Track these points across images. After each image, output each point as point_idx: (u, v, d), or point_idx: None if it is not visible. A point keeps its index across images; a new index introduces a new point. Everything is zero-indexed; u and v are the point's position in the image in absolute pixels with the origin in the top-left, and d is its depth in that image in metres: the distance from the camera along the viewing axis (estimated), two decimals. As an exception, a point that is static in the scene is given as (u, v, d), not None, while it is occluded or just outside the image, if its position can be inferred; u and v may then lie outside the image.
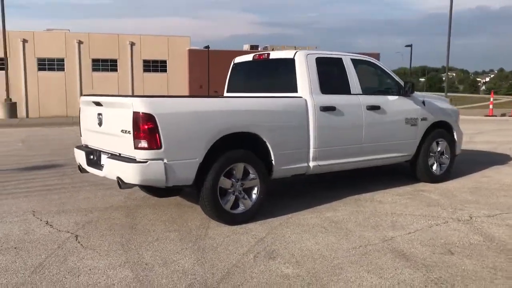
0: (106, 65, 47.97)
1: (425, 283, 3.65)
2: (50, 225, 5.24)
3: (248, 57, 6.66)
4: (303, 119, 5.63)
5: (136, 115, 4.53)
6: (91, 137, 5.62)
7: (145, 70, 49.14)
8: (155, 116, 4.53)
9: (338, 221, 5.30)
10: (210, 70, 47.37)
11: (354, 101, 6.13)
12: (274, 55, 6.24)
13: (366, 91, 6.37)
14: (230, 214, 5.14)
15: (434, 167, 7.25)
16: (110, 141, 5.09)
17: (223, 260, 4.15)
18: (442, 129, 7.25)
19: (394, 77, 6.73)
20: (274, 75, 6.22)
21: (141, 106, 4.53)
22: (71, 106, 44.17)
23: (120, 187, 4.76)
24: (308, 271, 3.90)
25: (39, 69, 45.77)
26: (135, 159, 4.62)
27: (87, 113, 5.59)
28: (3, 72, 43.54)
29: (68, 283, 3.68)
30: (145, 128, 4.51)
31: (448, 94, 34.94)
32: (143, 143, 4.54)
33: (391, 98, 6.62)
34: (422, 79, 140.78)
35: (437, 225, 5.14)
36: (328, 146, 5.88)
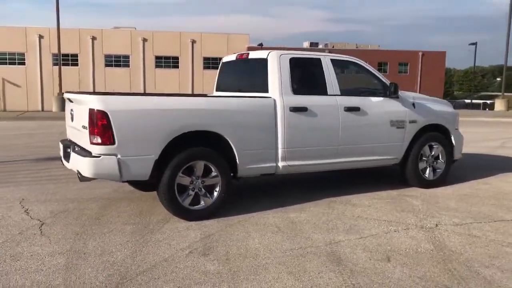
0: (168, 62, 49.46)
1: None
2: (27, 213, 5.61)
3: (233, 57, 6.75)
4: (270, 119, 5.64)
5: (91, 111, 4.77)
6: (69, 131, 5.96)
7: (205, 67, 50.22)
8: (108, 113, 4.74)
9: (297, 222, 5.28)
10: None
11: (330, 102, 6.05)
12: (252, 55, 6.29)
13: (346, 92, 6.26)
14: (188, 210, 5.27)
15: (427, 171, 6.98)
16: (78, 136, 5.39)
17: (157, 254, 4.29)
18: (436, 133, 6.96)
19: (381, 78, 6.55)
20: (252, 75, 6.28)
21: (95, 103, 4.76)
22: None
23: (80, 179, 5.03)
24: (231, 269, 3.96)
25: (106, 65, 48.04)
26: (91, 154, 4.86)
27: (67, 109, 5.92)
28: (77, 68, 46.23)
29: (4, 266, 3.96)
30: (99, 124, 4.74)
31: (505, 94, 33.06)
32: (97, 139, 4.78)
33: (374, 99, 6.46)
34: (498, 79, 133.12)
35: (395, 231, 5.00)
36: (299, 146, 5.85)
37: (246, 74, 6.47)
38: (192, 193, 5.30)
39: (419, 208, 5.88)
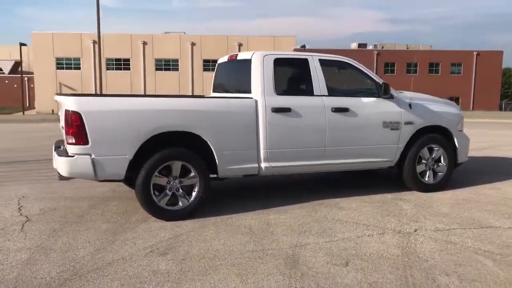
0: (215, 65, 50.35)
1: (276, 292, 3.55)
2: (19, 210, 5.87)
3: (225, 58, 6.77)
4: (251, 120, 5.61)
5: (66, 112, 4.93)
6: (62, 132, 6.17)
7: None
8: (82, 114, 4.88)
9: (273, 224, 5.22)
10: None
11: (316, 102, 5.94)
12: (240, 56, 6.28)
13: (335, 92, 6.13)
14: (165, 210, 5.33)
15: (427, 175, 6.70)
16: (63, 137, 5.57)
17: (118, 253, 4.36)
18: (436, 135, 6.67)
19: (374, 78, 6.36)
20: (239, 75, 6.26)
21: (70, 104, 4.91)
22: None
23: (59, 178, 5.20)
24: (182, 269, 3.97)
25: (156, 69, 49.43)
26: (67, 154, 5.03)
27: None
28: (128, 72, 47.93)
29: (-29, 259, 4.17)
30: (73, 125, 4.89)
31: None
32: (72, 139, 4.93)
33: (366, 100, 6.27)
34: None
35: (369, 235, 4.83)
36: (282, 147, 5.79)
37: (235, 75, 6.47)
38: (169, 193, 5.35)
39: (406, 213, 5.65)
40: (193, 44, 50.62)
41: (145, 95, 6.16)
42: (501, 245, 4.50)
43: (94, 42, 47.72)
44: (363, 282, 3.70)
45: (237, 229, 5.05)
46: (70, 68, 48.60)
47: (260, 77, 5.74)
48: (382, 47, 54.89)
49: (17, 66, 61.31)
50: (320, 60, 6.12)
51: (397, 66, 51.83)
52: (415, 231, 4.97)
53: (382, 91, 6.15)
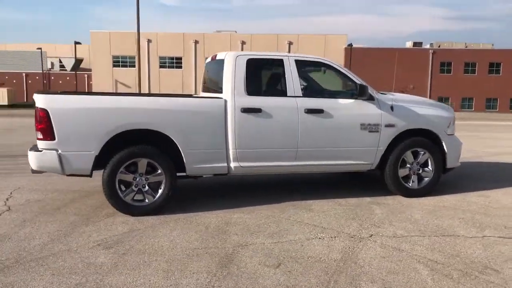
0: None
1: (162, 286, 3.61)
2: (7, 200, 6.26)
3: (210, 58, 6.86)
4: (219, 120, 5.67)
5: (36, 109, 5.21)
6: None
7: None
8: (49, 111, 5.14)
9: (231, 223, 5.27)
10: (368, 68, 46.91)
11: (288, 103, 5.91)
12: (218, 56, 6.35)
13: (311, 93, 6.08)
14: (130, 206, 5.50)
15: (411, 179, 6.49)
16: None
17: (67, 244, 4.57)
18: (421, 138, 6.45)
19: (354, 79, 6.23)
20: (217, 75, 6.33)
21: (38, 101, 5.18)
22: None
23: (31, 171, 5.49)
24: (116, 263, 4.11)
25: None
26: (37, 149, 5.31)
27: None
28: (180, 70, 49.18)
29: None
30: (41, 121, 5.16)
31: None
32: (40, 135, 5.20)
33: (343, 101, 6.17)
34: None
35: (319, 238, 4.78)
36: (252, 148, 5.81)
37: (215, 75, 6.54)
38: (135, 189, 5.52)
39: (374, 218, 5.52)
40: (243, 42, 51.13)
41: (115, 93, 6.36)
42: (450, 255, 4.33)
43: (149, 40, 49.38)
44: (282, 285, 3.69)
45: (194, 227, 5.13)
46: (126, 66, 50.37)
47: (231, 77, 5.79)
48: (439, 46, 53.02)
49: (78, 63, 64.51)
50: (296, 60, 6.08)
51: (453, 66, 49.95)
52: (370, 236, 4.86)
53: (358, 93, 6.02)
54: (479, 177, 8.08)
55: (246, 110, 5.73)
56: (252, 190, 6.97)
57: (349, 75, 6.27)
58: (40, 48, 58.27)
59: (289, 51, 50.13)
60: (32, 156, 5.28)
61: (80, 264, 4.08)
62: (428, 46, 53.37)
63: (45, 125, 5.16)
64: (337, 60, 50.80)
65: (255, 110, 5.77)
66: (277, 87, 6.01)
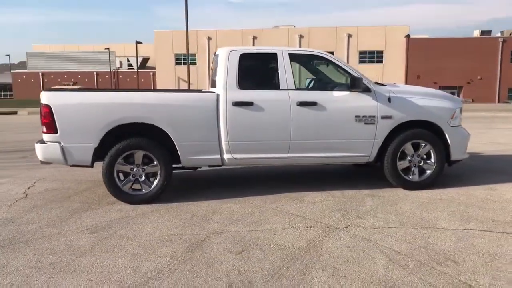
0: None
1: (125, 267, 3.88)
2: (28, 188, 6.86)
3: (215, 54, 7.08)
4: (211, 113, 5.90)
5: (41, 105, 5.69)
6: None
7: (360, 61, 49.75)
8: (51, 106, 5.60)
9: (217, 213, 5.48)
10: (431, 59, 45.35)
11: (280, 96, 6.02)
12: (217, 51, 6.56)
13: (304, 86, 6.15)
14: (127, 194, 5.87)
15: (412, 172, 6.40)
16: None
17: (60, 228, 4.99)
18: (421, 130, 6.33)
19: (350, 72, 6.22)
20: (215, 70, 6.55)
21: (43, 98, 5.66)
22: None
23: (41, 162, 5.99)
24: (92, 245, 4.46)
25: None
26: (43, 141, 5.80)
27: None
28: (195, 66, 49.48)
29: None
30: (45, 116, 5.63)
31: None
32: (44, 128, 5.68)
33: (337, 94, 6.18)
34: None
35: (294, 228, 4.90)
36: (244, 140, 5.99)
37: (215, 70, 6.75)
38: (132, 179, 5.88)
39: (361, 209, 5.53)
40: (301, 36, 50.96)
41: (111, 90, 6.72)
42: (417, 246, 4.30)
43: (209, 38, 50.43)
44: (235, 269, 3.86)
45: (181, 215, 5.40)
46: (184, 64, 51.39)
47: (224, 72, 5.99)
48: (510, 34, 50.06)
49: (144, 62, 67.24)
50: (290, 54, 6.17)
51: (527, 54, 47.02)
52: (346, 227, 4.90)
53: (350, 85, 6.01)
54: (495, 170, 7.75)
55: (237, 104, 5.91)
56: (252, 182, 7.14)
57: (345, 67, 6.27)
58: (108, 48, 61.29)
59: (348, 44, 49.41)
60: (38, 148, 5.77)
61: (62, 246, 4.46)
62: (498, 35, 50.53)
63: (48, 119, 5.62)
64: (398, 52, 49.37)
65: (247, 104, 5.93)
66: (270, 81, 6.13)
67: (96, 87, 61.40)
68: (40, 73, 64.62)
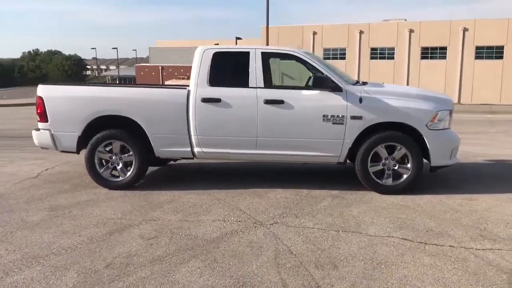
0: (435, 53, 47.86)
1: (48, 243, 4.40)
2: (45, 170, 7.83)
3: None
4: (181, 108, 6.26)
5: (36, 97, 6.52)
6: None
7: (477, 57, 46.63)
8: (43, 98, 6.40)
9: (174, 202, 5.86)
10: None
11: (248, 94, 6.18)
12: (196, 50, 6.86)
13: (273, 84, 6.24)
14: (106, 180, 6.48)
15: (385, 175, 6.18)
16: None
17: (31, 205, 5.74)
18: (396, 132, 6.07)
19: (322, 71, 6.17)
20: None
21: (38, 90, 6.48)
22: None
23: (41, 147, 6.84)
24: (44, 220, 5.14)
25: (371, 58, 49.52)
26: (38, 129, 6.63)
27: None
28: (343, 61, 49.76)
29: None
30: (39, 106, 6.44)
31: None
32: (38, 117, 6.49)
33: (306, 92, 6.17)
34: None
35: (223, 221, 5.10)
36: (212, 135, 6.27)
37: None
38: (111, 166, 6.48)
39: (307, 209, 5.52)
40: (411, 31, 48.85)
41: (94, 84, 7.35)
42: (318, 249, 4.28)
43: (314, 33, 50.50)
44: (128, 252, 4.22)
45: (138, 202, 5.86)
46: (336, 58, 51.34)
47: (196, 70, 6.32)
48: None
49: None
50: (262, 53, 6.30)
51: None
52: (271, 224, 4.98)
53: (312, 84, 5.98)
54: (500, 176, 7.08)
55: (205, 100, 6.20)
56: (234, 176, 7.36)
57: (318, 66, 6.22)
58: (217, 43, 64.15)
59: (463, 39, 46.18)
60: (34, 135, 6.61)
61: (16, 219, 5.18)
62: None
63: (41, 109, 6.41)
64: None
65: (215, 100, 6.19)
66: (240, 79, 6.30)
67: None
68: (160, 67, 69.35)
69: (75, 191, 6.39)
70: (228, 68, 6.46)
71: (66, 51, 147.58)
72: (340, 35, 49.89)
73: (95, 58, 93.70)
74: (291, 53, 6.39)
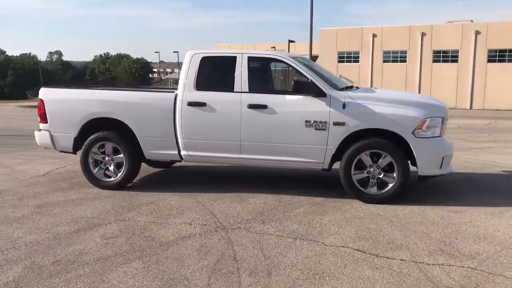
0: (503, 55, 45.72)
1: (21, 236, 4.66)
2: (56, 168, 8.25)
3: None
4: (168, 112, 6.40)
5: (38, 100, 6.91)
6: None
7: None
8: (44, 100, 6.77)
9: (155, 203, 6.01)
10: None
11: (233, 98, 6.21)
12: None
13: (257, 89, 6.24)
14: (98, 180, 6.75)
15: (369, 184, 6.00)
16: None
17: (23, 202, 6.09)
18: (380, 139, 5.87)
19: (307, 76, 6.08)
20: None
21: (40, 93, 6.86)
22: (462, 97, 44.03)
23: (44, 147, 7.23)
24: (26, 216, 5.43)
25: (434, 61, 47.84)
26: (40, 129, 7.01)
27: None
28: (404, 64, 48.37)
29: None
30: (40, 108, 6.82)
31: None
32: (40, 118, 6.88)
33: (290, 98, 6.10)
34: None
35: (188, 224, 5.17)
36: (197, 138, 6.36)
37: None
38: (103, 167, 6.74)
39: (280, 215, 5.47)
40: (477, 32, 46.78)
41: (89, 87, 7.62)
42: (264, 255, 4.25)
43: (374, 35, 49.65)
44: (80, 250, 4.39)
45: (119, 203, 6.05)
46: (350, 61, 51.14)
47: (184, 74, 6.44)
48: None
49: (314, 60, 68.81)
50: (249, 57, 6.31)
51: None
52: (234, 229, 4.99)
53: (294, 89, 5.91)
54: (500, 191, 6.64)
55: (191, 104, 6.30)
56: (226, 180, 7.41)
57: (302, 70, 6.15)
58: (274, 47, 64.36)
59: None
60: (36, 135, 7.00)
61: (1, 215, 5.51)
62: None
63: (42, 111, 6.79)
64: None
65: (200, 104, 6.28)
66: (226, 83, 6.34)
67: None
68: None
69: (69, 190, 6.69)
70: (215, 73, 6.53)
71: (134, 55, 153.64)
72: (400, 37, 48.50)
73: (161, 61, 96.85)
74: (276, 57, 6.38)
